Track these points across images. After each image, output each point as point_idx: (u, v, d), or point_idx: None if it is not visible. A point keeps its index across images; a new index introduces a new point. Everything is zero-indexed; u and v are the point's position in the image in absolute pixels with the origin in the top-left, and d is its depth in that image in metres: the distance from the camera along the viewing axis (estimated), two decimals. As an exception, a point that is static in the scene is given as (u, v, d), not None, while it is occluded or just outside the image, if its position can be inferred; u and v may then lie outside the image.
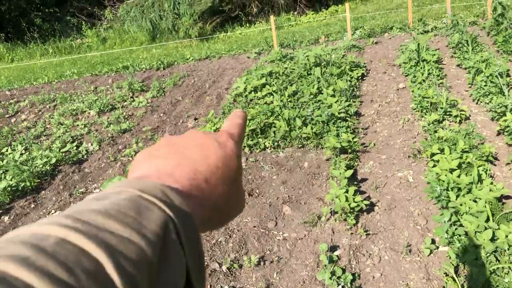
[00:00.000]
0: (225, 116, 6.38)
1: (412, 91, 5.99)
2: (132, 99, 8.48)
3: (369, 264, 3.19)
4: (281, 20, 15.76)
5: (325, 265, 3.17)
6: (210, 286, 3.20)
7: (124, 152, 5.96)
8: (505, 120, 4.46)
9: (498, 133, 4.64)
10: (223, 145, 0.49)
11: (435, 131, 4.68)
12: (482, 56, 6.31)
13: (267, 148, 5.26)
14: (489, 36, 8.13)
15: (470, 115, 5.15)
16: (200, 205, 0.43)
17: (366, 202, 3.71)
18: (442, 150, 4.11)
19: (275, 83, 7.17)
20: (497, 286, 2.67)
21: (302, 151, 5.10)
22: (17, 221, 4.67)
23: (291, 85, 6.95)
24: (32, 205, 4.96)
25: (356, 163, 4.61)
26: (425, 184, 3.95)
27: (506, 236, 2.92)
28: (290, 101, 6.27)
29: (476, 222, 3.08)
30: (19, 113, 8.87)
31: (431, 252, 3.17)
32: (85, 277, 0.28)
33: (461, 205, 3.33)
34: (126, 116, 7.55)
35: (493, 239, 2.95)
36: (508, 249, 2.85)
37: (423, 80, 6.23)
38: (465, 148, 4.02)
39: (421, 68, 6.69)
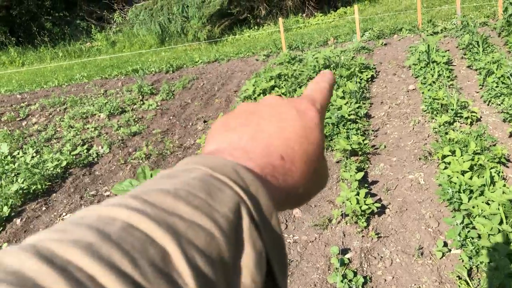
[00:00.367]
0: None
1: (422, 92, 5.96)
2: (141, 102, 8.52)
3: (380, 267, 3.17)
4: (290, 22, 15.75)
5: (336, 268, 3.15)
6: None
7: (134, 155, 5.99)
8: (517, 122, 4.42)
9: (510, 135, 4.60)
10: (303, 114, 0.44)
11: (446, 133, 4.65)
12: (493, 57, 6.26)
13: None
14: (500, 37, 8.07)
15: (481, 117, 5.11)
16: (276, 185, 0.39)
17: (377, 204, 3.70)
18: (453, 152, 4.08)
19: (284, 85, 7.16)
20: (511, 289, 2.64)
21: (312, 153, 5.07)
22: (29, 223, 4.70)
23: (300, 87, 6.94)
24: (44, 208, 4.99)
25: (367, 166, 4.59)
26: (437, 186, 3.92)
27: (520, 239, 2.89)
28: (300, 103, 6.25)
29: (489, 224, 3.04)
30: (30, 117, 8.94)
31: (443, 255, 3.14)
32: (151, 270, 0.26)
33: (473, 207, 3.30)
34: (136, 119, 7.59)
35: (507, 242, 2.92)
36: (522, 252, 2.81)
37: (433, 82, 6.20)
38: (476, 150, 3.99)
39: (431, 69, 6.65)
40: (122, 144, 6.52)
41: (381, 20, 12.68)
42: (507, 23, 8.05)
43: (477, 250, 2.95)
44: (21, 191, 5.22)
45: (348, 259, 3.28)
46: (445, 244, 3.23)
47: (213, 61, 11.34)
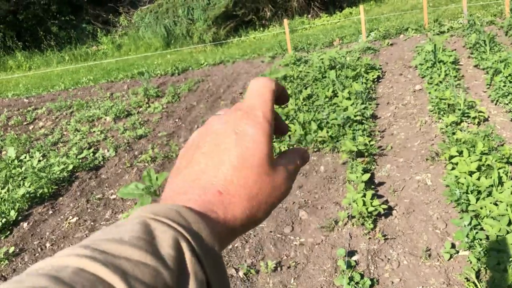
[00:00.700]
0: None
1: (429, 92, 5.92)
2: (147, 105, 8.53)
3: (387, 269, 3.15)
4: (295, 23, 15.73)
5: (343, 271, 3.13)
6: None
7: (140, 158, 5.99)
8: (525, 121, 4.38)
9: (518, 134, 4.55)
10: (242, 136, 0.45)
11: (453, 133, 4.61)
12: (500, 56, 6.20)
13: (283, 152, 5.22)
14: (508, 35, 8.01)
15: (489, 117, 5.06)
16: (217, 218, 0.42)
17: (384, 206, 3.67)
18: (460, 153, 4.05)
19: (290, 86, 7.14)
20: (521, 291, 2.61)
21: (318, 155, 5.06)
22: (36, 227, 4.72)
23: (305, 89, 6.92)
24: (50, 212, 5.00)
25: (373, 167, 4.56)
26: (444, 187, 3.89)
27: (529, 240, 2.85)
28: (305, 105, 6.24)
29: (497, 225, 3.01)
30: (37, 120, 8.98)
31: (451, 256, 3.11)
32: None
33: (481, 208, 3.26)
34: (141, 122, 7.60)
35: (515, 243, 2.89)
36: (531, 253, 2.78)
37: (440, 82, 6.15)
38: (484, 150, 3.95)
39: (437, 69, 6.61)
40: (128, 147, 6.53)
41: (387, 20, 12.63)
42: (514, 22, 7.99)
43: (485, 252, 2.91)
44: (28, 195, 5.24)
45: (355, 261, 3.26)
46: (453, 246, 3.20)
47: (218, 63, 11.33)
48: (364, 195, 3.70)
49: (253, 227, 0.47)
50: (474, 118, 4.91)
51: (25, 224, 4.80)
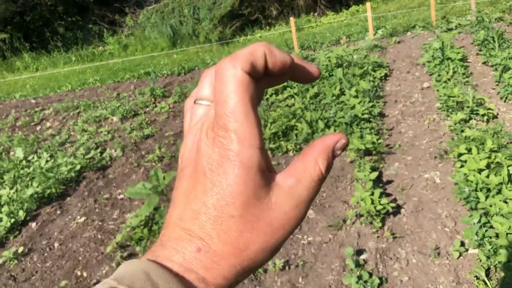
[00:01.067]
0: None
1: (437, 90, 5.88)
2: (154, 105, 8.54)
3: (396, 267, 3.12)
4: (301, 21, 15.69)
5: (352, 269, 3.11)
6: (235, 291, 3.18)
7: (147, 157, 6.00)
8: (535, 118, 4.33)
9: (528, 131, 4.51)
10: (215, 176, 0.37)
11: (462, 131, 4.57)
12: (509, 53, 6.15)
13: (289, 151, 5.21)
14: (516, 32, 7.94)
15: (498, 114, 5.01)
16: (197, 277, 0.37)
17: (393, 204, 3.64)
18: (469, 150, 4.01)
19: (296, 85, 7.12)
20: (532, 290, 2.58)
21: (325, 153, 5.03)
22: (44, 227, 4.73)
23: (312, 87, 6.89)
24: (58, 212, 5.02)
25: (381, 165, 4.54)
26: (453, 185, 3.86)
27: (540, 238, 2.82)
28: (312, 103, 6.21)
29: (507, 223, 2.98)
30: (44, 121, 9.03)
31: (460, 255, 3.08)
32: None
33: (490, 206, 3.23)
34: (148, 122, 7.61)
35: (526, 241, 2.86)
36: (543, 251, 2.75)
37: (448, 79, 6.11)
38: (493, 147, 3.91)
39: (445, 66, 6.56)
40: (135, 147, 6.54)
41: (394, 17, 12.57)
42: (523, 18, 7.92)
43: (495, 250, 2.88)
44: (36, 195, 5.26)
45: (363, 260, 3.24)
46: (462, 244, 3.17)
47: (225, 63, 11.31)
48: (372, 194, 3.67)
49: (257, 270, 0.41)
50: (483, 115, 4.87)
51: (33, 224, 4.82)
